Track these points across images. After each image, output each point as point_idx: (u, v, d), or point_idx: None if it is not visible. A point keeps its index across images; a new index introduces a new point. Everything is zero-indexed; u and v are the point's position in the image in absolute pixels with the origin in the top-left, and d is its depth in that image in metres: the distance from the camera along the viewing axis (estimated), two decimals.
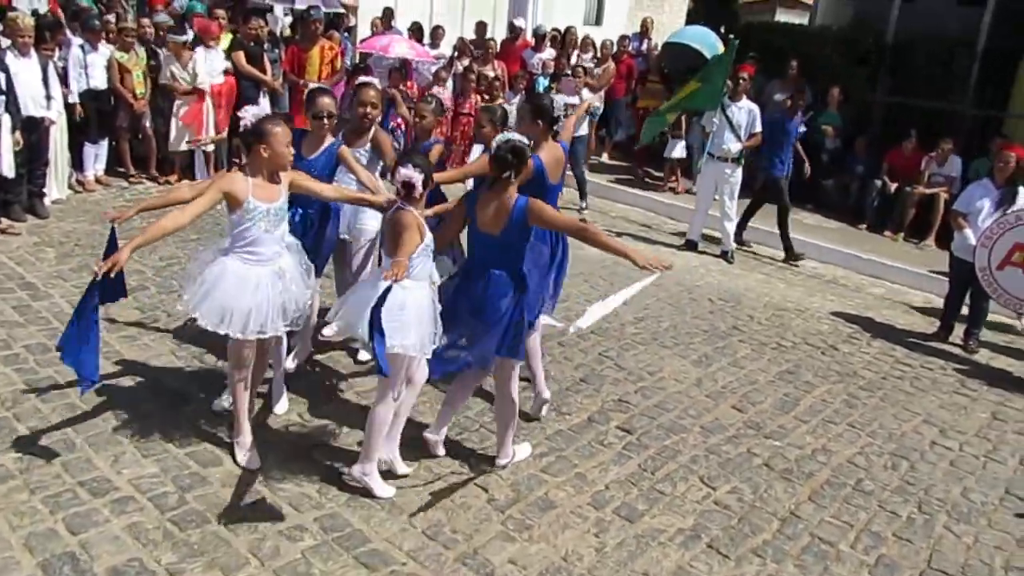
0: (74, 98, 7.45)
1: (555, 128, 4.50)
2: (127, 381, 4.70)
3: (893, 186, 9.75)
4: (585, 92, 9.56)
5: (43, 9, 9.49)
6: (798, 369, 5.94)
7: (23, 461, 3.86)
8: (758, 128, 8.36)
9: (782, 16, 20.92)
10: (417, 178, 3.67)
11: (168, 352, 5.10)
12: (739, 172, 8.34)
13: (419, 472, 4.16)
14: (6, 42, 6.66)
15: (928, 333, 6.98)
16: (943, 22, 10.76)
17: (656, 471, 4.40)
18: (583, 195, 9.73)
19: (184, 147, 8.55)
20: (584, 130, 9.65)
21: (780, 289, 7.79)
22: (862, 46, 11.10)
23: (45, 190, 7.26)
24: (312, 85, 8.15)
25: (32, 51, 6.74)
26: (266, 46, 9.30)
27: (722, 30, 8.68)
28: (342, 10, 13.34)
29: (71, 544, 3.39)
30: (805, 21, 14.75)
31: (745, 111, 8.26)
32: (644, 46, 12.26)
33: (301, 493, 3.89)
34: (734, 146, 8.20)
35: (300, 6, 11.08)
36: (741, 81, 8.35)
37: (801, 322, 6.92)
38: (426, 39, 11.87)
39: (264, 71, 9.02)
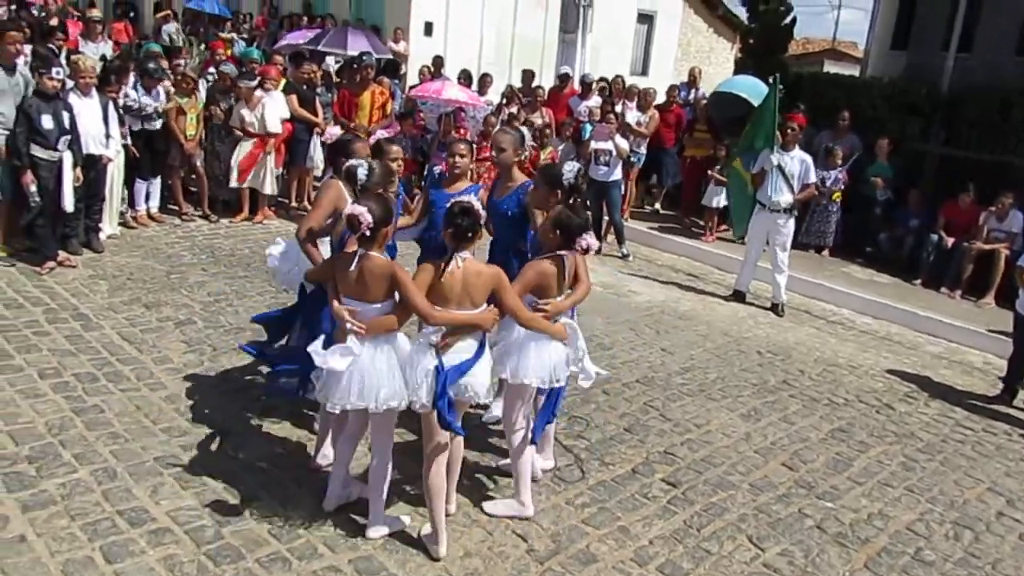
0: (128, 139, 7.63)
1: (574, 196, 4.25)
2: (170, 413, 4.71)
3: (950, 241, 9.50)
4: (618, 138, 9.51)
5: (109, 54, 9.87)
6: (851, 427, 5.74)
7: (66, 487, 3.88)
8: (812, 179, 8.23)
9: (831, 68, 20.91)
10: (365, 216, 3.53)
11: (211, 386, 5.11)
12: (791, 223, 8.19)
13: (457, 517, 4.07)
14: (71, 83, 6.87)
15: (990, 395, 6.70)
16: (1000, 73, 10.59)
17: (702, 528, 4.25)
18: (621, 241, 9.67)
19: (233, 185, 8.71)
20: (618, 175, 9.55)
21: (832, 344, 7.59)
22: (914, 97, 10.96)
23: (101, 225, 7.42)
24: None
25: (93, 91, 6.94)
26: (319, 89, 9.50)
27: (771, 80, 8.58)
28: (390, 55, 13.62)
29: (106, 573, 3.38)
30: (856, 73, 14.70)
31: (798, 160, 8.15)
32: (691, 95, 12.26)
33: (337, 534, 3.82)
34: (785, 197, 8.08)
35: (352, 53, 11.32)
36: (790, 131, 8.25)
37: (854, 379, 6.72)
38: (474, 86, 12.03)
39: (316, 114, 9.20)
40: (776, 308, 8.33)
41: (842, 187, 10.11)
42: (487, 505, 4.17)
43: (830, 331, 8.03)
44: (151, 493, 3.93)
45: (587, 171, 9.61)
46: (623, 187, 10.04)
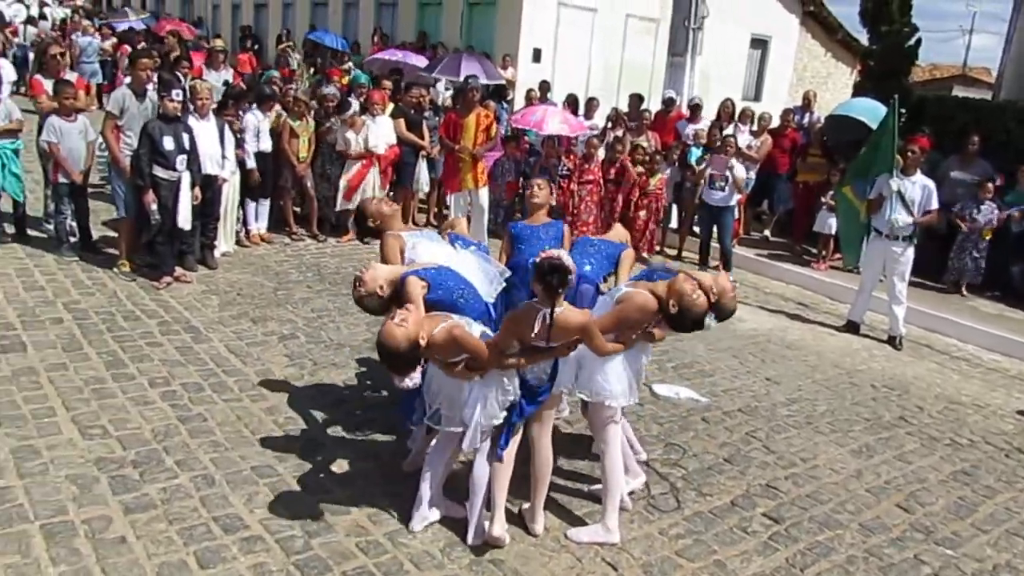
0: (251, 162, 7.94)
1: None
2: (269, 424, 4.81)
3: None
4: (737, 167, 9.28)
5: (230, 81, 10.38)
6: (976, 471, 5.30)
7: (166, 492, 3.99)
8: (934, 204, 7.71)
9: (960, 93, 19.86)
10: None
11: (309, 399, 5.20)
12: (910, 252, 7.72)
13: (545, 541, 3.96)
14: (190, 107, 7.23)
15: None
16: None
17: (806, 568, 3.99)
18: (728, 268, 9.40)
19: (340, 206, 8.93)
20: (733, 200, 9.46)
21: (955, 381, 7.08)
22: None
23: (215, 243, 7.73)
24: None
25: (211, 114, 7.27)
26: (426, 114, 9.68)
27: (890, 101, 8.16)
28: (503, 82, 13.79)
29: None
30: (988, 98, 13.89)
31: (919, 186, 7.67)
32: (806, 120, 11.87)
33: (424, 551, 3.79)
34: (905, 224, 7.63)
35: (463, 78, 11.51)
36: (911, 154, 7.78)
37: (980, 419, 6.23)
38: (580, 110, 12.01)
39: (423, 137, 9.38)
40: (893, 341, 7.86)
41: (995, 224, 9.37)
42: (571, 532, 4.04)
43: (953, 367, 7.51)
44: (246, 501, 4.01)
45: (701, 194, 9.52)
46: (736, 212, 9.80)
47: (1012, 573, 4.16)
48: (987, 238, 9.44)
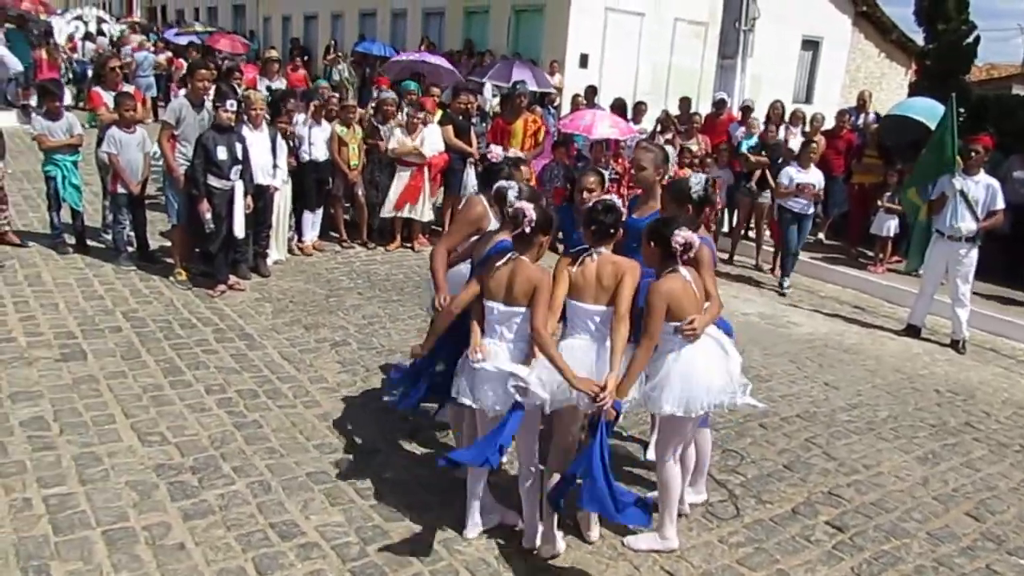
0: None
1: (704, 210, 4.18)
2: (323, 431, 4.82)
3: None
4: (812, 171, 8.97)
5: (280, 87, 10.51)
6: None
7: (224, 499, 4.02)
8: (999, 205, 7.45)
9: (1020, 92, 19.28)
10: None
11: (362, 405, 5.21)
12: (974, 253, 7.47)
13: (601, 548, 3.90)
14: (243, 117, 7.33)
15: None
16: None
17: None
18: (787, 272, 9.19)
19: (387, 213, 8.96)
20: (813, 208, 9.08)
21: (1022, 386, 6.83)
22: None
23: (268, 251, 7.83)
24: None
25: (263, 124, 7.37)
26: (474, 120, 9.69)
27: (948, 100, 7.92)
28: (552, 90, 13.76)
29: None
30: None
31: (983, 186, 7.43)
32: (861, 121, 11.61)
33: (479, 559, 3.75)
34: (968, 224, 7.39)
35: (509, 84, 11.52)
36: (975, 153, 7.54)
37: None
38: (629, 115, 11.91)
39: (470, 143, 9.38)
40: (956, 345, 7.62)
41: None
42: (628, 540, 3.97)
43: (1020, 371, 7.24)
44: (302, 508, 4.02)
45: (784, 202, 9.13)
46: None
47: None
48: None
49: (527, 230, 3.58)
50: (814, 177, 8.86)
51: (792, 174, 8.80)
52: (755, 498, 4.48)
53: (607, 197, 3.74)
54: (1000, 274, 9.28)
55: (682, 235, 3.59)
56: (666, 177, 4.55)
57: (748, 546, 4.03)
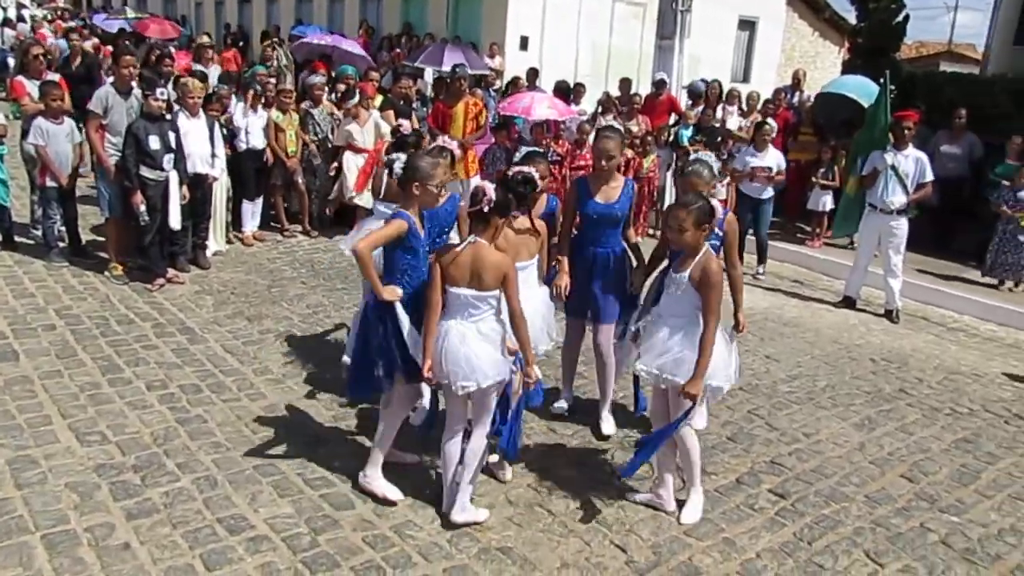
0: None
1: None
2: (270, 422, 4.77)
3: None
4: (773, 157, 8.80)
5: (213, 75, 10.27)
6: (977, 438, 5.31)
7: (169, 496, 3.95)
8: (928, 177, 7.67)
9: (947, 69, 19.85)
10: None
11: (308, 395, 5.16)
12: (905, 224, 7.70)
13: (552, 526, 3.95)
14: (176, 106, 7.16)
15: None
16: None
17: (814, 542, 3.98)
18: (763, 259, 9.01)
19: (353, 197, 8.78)
20: (771, 191, 8.79)
21: (952, 352, 7.09)
22: None
23: (207, 243, 7.67)
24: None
25: (200, 112, 7.20)
26: (414, 105, 9.62)
27: (882, 80, 8.11)
28: (487, 72, 13.70)
29: None
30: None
31: (912, 159, 7.65)
32: (796, 99, 11.83)
33: (432, 543, 3.76)
34: (899, 197, 7.61)
35: (446, 68, 11.45)
36: (907, 130, 7.74)
37: (979, 387, 6.24)
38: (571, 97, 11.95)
39: None
40: (890, 314, 7.87)
41: None
42: (638, 496, 4.23)
43: (951, 338, 7.52)
44: (250, 501, 3.97)
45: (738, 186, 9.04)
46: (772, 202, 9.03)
47: (1017, 536, 4.17)
48: None
49: (485, 209, 3.66)
50: (771, 160, 8.71)
51: (747, 158, 8.79)
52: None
53: (525, 168, 4.06)
54: (930, 245, 9.59)
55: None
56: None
57: None
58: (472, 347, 3.69)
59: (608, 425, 4.94)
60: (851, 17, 21.90)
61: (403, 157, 4.17)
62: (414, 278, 3.92)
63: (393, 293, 3.84)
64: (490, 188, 3.68)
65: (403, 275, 3.91)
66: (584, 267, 4.73)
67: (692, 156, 5.19)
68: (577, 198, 4.79)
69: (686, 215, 3.82)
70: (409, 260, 3.91)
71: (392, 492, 4.06)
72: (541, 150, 9.18)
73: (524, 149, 9.80)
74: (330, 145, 8.82)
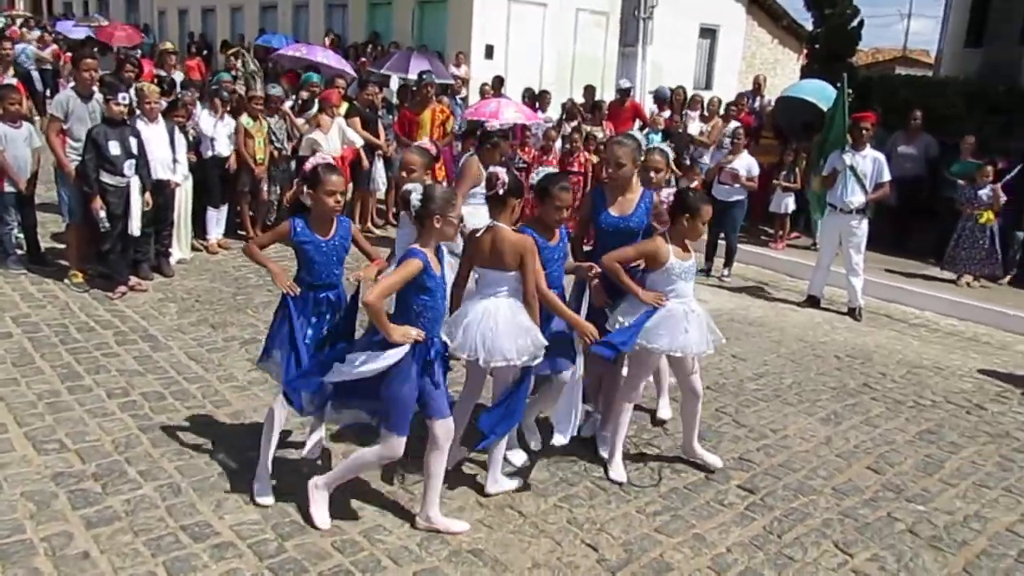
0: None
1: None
2: (235, 429, 4.70)
3: None
4: (746, 162, 8.85)
5: (178, 80, 10.15)
6: (940, 429, 5.39)
7: (130, 504, 3.86)
8: (886, 177, 7.80)
9: (903, 72, 20.26)
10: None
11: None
12: (865, 224, 7.82)
13: (523, 528, 3.92)
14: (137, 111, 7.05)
15: None
16: None
17: (783, 534, 4.01)
18: (729, 263, 9.06)
19: None
20: (742, 195, 8.84)
21: (914, 347, 7.20)
22: (993, 94, 10.46)
23: (171, 250, 7.56)
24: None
25: (160, 118, 7.10)
26: (380, 112, 9.59)
27: (839, 84, 8.24)
28: (451, 81, 13.72)
29: None
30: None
31: (870, 160, 7.78)
32: (757, 103, 12.00)
33: (402, 547, 3.72)
34: (858, 197, 7.73)
35: (412, 76, 11.45)
36: (864, 131, 7.87)
37: (941, 380, 6.34)
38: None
39: (378, 135, 9.28)
40: (853, 312, 7.98)
41: (990, 204, 8.83)
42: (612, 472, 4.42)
43: (913, 334, 7.64)
44: (215, 508, 3.90)
45: (710, 191, 8.96)
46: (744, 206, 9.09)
47: (981, 522, 4.23)
48: (989, 223, 8.91)
49: (500, 192, 3.87)
50: (741, 164, 8.76)
51: (720, 160, 8.86)
52: (670, 468, 4.59)
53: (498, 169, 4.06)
54: (889, 244, 9.75)
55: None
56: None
57: (665, 514, 4.12)
58: (500, 322, 3.83)
59: (664, 411, 5.21)
60: (808, 24, 22.29)
61: (419, 188, 3.69)
62: (430, 320, 3.64)
63: (407, 335, 3.53)
64: (503, 172, 3.87)
65: (418, 317, 3.60)
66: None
67: (650, 146, 5.17)
68: (592, 208, 4.60)
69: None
70: (425, 300, 3.60)
71: (457, 525, 3.88)
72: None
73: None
74: (286, 154, 8.72)
